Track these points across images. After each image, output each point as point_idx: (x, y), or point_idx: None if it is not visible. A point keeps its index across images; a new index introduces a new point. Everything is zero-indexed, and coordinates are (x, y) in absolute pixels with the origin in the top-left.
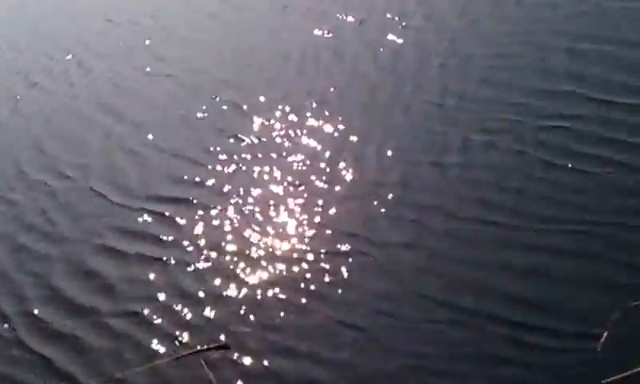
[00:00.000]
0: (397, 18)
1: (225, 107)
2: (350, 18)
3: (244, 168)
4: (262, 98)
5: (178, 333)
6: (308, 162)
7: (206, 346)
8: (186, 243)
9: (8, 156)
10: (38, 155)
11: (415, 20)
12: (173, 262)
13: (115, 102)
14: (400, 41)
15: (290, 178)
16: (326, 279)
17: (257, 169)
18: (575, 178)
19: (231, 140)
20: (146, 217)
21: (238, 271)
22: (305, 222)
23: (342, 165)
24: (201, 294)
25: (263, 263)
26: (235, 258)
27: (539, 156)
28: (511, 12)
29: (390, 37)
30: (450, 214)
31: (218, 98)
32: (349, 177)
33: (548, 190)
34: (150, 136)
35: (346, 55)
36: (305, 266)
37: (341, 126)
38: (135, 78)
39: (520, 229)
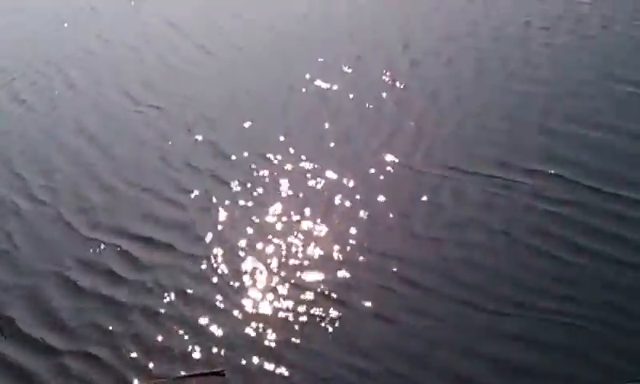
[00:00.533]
0: (385, 72)
1: (206, 146)
2: (341, 68)
3: (218, 213)
4: (244, 142)
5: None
6: (284, 214)
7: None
8: (149, 285)
9: None
10: (8, 172)
11: (402, 77)
12: (129, 302)
13: (95, 127)
14: (384, 95)
15: (264, 229)
16: (295, 343)
17: (231, 215)
18: (554, 266)
19: (208, 182)
20: (109, 252)
21: (198, 322)
22: (276, 279)
23: (318, 220)
24: (151, 336)
25: (226, 317)
26: (196, 309)
27: (519, 238)
28: (494, 82)
29: (376, 90)
30: (426, 290)
31: (200, 137)
32: (324, 235)
33: (524, 274)
34: (125, 168)
35: (330, 104)
36: (271, 326)
37: (319, 178)
38: (119, 104)
39: (495, 313)
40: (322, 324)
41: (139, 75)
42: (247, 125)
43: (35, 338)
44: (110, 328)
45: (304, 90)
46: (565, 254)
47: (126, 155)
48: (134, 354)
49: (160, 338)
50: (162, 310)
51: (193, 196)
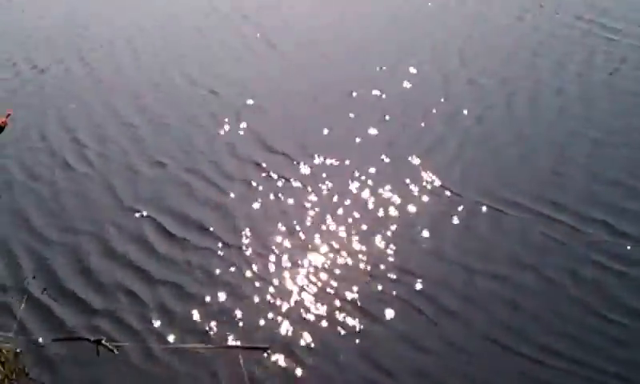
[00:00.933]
0: (438, 86)
1: (253, 135)
2: (396, 77)
3: (255, 203)
4: (290, 136)
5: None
6: (316, 215)
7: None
8: (180, 262)
9: (34, 126)
10: (64, 133)
11: (453, 94)
12: (159, 274)
13: (150, 101)
14: (433, 110)
15: (298, 226)
16: (315, 346)
17: (267, 207)
18: (594, 319)
19: (249, 170)
20: (143, 225)
21: (220, 304)
22: (302, 278)
23: (349, 225)
24: (175, 309)
25: (248, 304)
26: (220, 291)
27: (553, 281)
28: (546, 116)
29: (425, 102)
30: (452, 317)
31: (248, 125)
32: (354, 240)
33: (559, 322)
34: (172, 145)
35: (378, 111)
36: (291, 324)
37: (354, 182)
38: (178, 83)
39: (526, 358)
40: (346, 332)
41: (201, 58)
42: (295, 121)
43: (73, 293)
44: (140, 296)
45: (355, 93)
46: (606, 310)
47: (175, 133)
48: (158, 323)
49: (182, 312)
50: (189, 287)
51: (233, 182)
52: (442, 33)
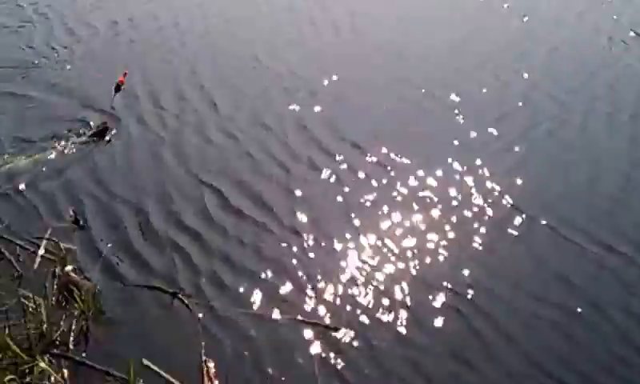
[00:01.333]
0: (495, 93)
1: (319, 118)
2: (453, 81)
3: (306, 188)
4: (356, 127)
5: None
6: (374, 208)
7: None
8: (224, 239)
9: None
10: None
11: (514, 106)
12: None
13: (208, 75)
14: (488, 117)
15: (350, 217)
16: (355, 342)
17: (318, 196)
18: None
19: (302, 156)
20: (208, 194)
21: (263, 286)
22: (351, 268)
23: (407, 228)
24: (222, 282)
25: (291, 288)
26: (267, 274)
27: (591, 326)
28: (605, 143)
29: (481, 107)
30: (482, 341)
31: (303, 110)
32: (410, 243)
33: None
34: (227, 120)
35: (436, 111)
36: (333, 316)
37: (422, 184)
38: (241, 58)
39: None
40: (390, 333)
41: (270, 37)
42: (366, 110)
43: (111, 263)
44: (181, 267)
45: (430, 93)
46: None
47: (229, 110)
48: (203, 292)
49: (231, 286)
50: (237, 264)
51: (284, 166)
52: (527, 43)
